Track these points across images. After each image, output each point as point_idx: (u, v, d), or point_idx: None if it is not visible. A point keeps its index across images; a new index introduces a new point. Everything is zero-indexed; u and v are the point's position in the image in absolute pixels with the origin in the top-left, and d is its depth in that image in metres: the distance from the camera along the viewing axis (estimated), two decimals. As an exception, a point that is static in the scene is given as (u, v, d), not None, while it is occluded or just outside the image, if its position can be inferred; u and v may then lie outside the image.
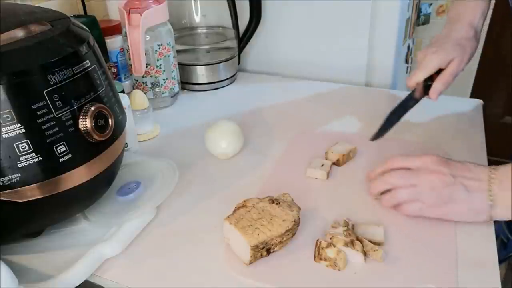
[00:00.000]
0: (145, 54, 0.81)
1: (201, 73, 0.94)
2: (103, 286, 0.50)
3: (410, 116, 0.67)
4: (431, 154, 0.54)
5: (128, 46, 0.80)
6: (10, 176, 0.42)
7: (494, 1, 0.72)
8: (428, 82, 0.66)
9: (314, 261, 0.49)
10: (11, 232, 0.50)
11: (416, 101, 0.67)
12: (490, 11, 0.76)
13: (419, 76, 0.66)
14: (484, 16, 0.67)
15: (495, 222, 0.52)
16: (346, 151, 0.67)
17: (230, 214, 0.51)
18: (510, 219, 0.49)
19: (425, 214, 0.53)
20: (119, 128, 0.53)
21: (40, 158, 0.43)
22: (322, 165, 0.65)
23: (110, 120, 0.49)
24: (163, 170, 0.63)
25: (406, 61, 1.33)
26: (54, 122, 0.43)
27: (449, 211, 0.51)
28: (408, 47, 1.35)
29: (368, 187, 0.59)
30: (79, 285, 0.48)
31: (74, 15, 0.91)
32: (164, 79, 0.85)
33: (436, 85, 0.65)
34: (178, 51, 0.91)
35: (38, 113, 0.42)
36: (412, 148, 0.69)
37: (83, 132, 0.46)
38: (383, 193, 0.56)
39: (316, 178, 0.64)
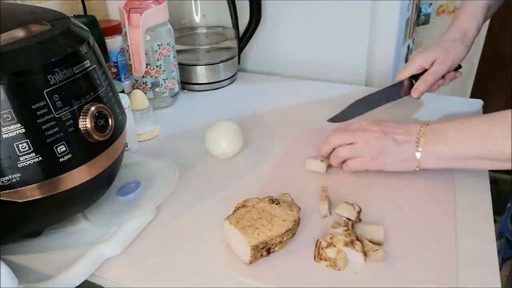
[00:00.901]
0: (145, 54, 0.81)
1: (201, 73, 0.94)
2: (103, 286, 0.50)
3: (411, 116, 0.67)
4: (367, 118, 0.63)
5: (128, 46, 0.80)
6: (10, 176, 0.42)
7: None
8: (413, 82, 0.70)
9: (314, 261, 0.49)
10: (11, 232, 0.50)
11: (399, 97, 0.72)
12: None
13: (403, 74, 0.71)
14: (477, 21, 0.69)
15: (498, 221, 0.53)
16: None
17: (230, 214, 0.51)
18: (436, 167, 0.56)
19: (367, 167, 0.60)
20: (119, 128, 0.53)
21: (40, 158, 0.43)
22: (322, 161, 0.65)
23: (110, 120, 0.49)
24: (163, 170, 0.63)
25: (406, 61, 1.33)
26: (54, 122, 0.43)
27: (383, 161, 0.59)
28: (408, 47, 1.35)
29: (370, 185, 0.59)
30: (79, 285, 0.48)
31: (74, 15, 0.91)
32: (164, 79, 0.85)
33: (417, 84, 0.70)
34: (178, 51, 0.91)
35: (38, 113, 0.42)
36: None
37: (83, 132, 0.46)
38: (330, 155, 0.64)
39: (318, 172, 0.64)
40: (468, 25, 0.69)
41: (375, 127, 0.60)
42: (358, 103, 0.71)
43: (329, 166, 0.65)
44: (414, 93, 0.70)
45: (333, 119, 0.71)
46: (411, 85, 0.71)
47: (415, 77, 0.71)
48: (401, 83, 0.72)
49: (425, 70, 0.70)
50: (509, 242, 0.77)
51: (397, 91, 0.72)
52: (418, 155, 0.56)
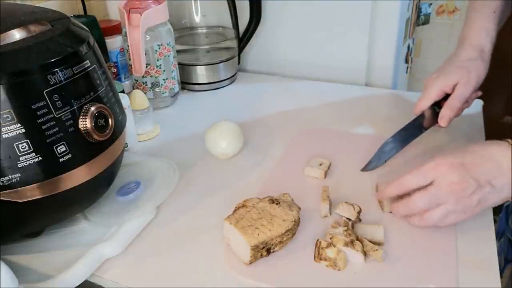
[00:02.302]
0: (145, 54, 0.81)
1: (201, 73, 0.94)
2: (103, 286, 0.50)
3: (411, 116, 0.67)
4: (440, 160, 0.51)
5: (128, 46, 0.80)
6: (10, 176, 0.42)
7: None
8: (436, 110, 0.64)
9: (314, 261, 0.49)
10: (11, 232, 0.50)
11: (425, 130, 0.65)
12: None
13: (423, 104, 0.64)
14: (490, 36, 0.65)
15: (497, 221, 0.52)
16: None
17: (230, 214, 0.51)
18: None
19: (452, 222, 0.51)
20: (119, 128, 0.53)
21: (40, 158, 0.43)
22: (321, 164, 0.65)
23: (110, 120, 0.50)
24: (163, 170, 0.63)
25: (406, 61, 1.33)
26: (54, 122, 0.43)
27: (477, 211, 0.50)
28: (408, 47, 1.35)
29: (369, 186, 0.59)
30: (79, 285, 0.48)
31: (74, 15, 0.91)
32: (164, 79, 0.85)
33: (443, 112, 0.63)
34: (178, 51, 0.91)
35: (38, 113, 0.42)
36: (411, 149, 0.69)
37: (83, 132, 0.46)
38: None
39: (316, 178, 0.64)
40: (484, 41, 0.64)
41: (461, 173, 0.49)
42: (388, 144, 0.65)
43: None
44: (442, 121, 0.63)
45: (366, 168, 0.63)
46: (435, 114, 0.64)
47: (436, 104, 0.64)
48: (422, 114, 0.65)
49: (447, 95, 0.63)
50: (511, 243, 0.77)
51: (421, 123, 0.65)
52: None
